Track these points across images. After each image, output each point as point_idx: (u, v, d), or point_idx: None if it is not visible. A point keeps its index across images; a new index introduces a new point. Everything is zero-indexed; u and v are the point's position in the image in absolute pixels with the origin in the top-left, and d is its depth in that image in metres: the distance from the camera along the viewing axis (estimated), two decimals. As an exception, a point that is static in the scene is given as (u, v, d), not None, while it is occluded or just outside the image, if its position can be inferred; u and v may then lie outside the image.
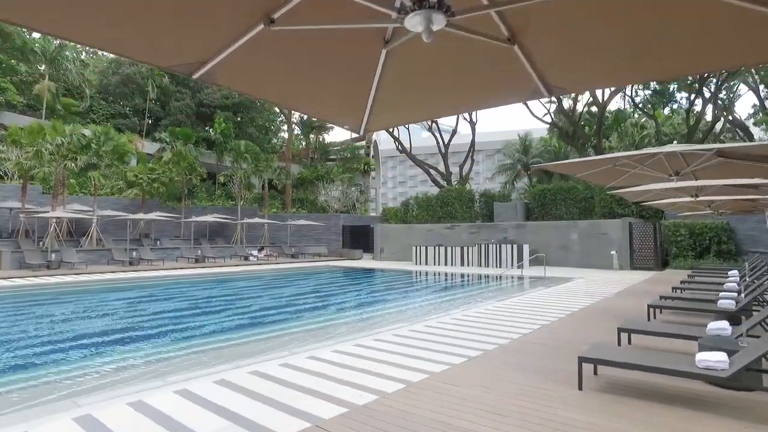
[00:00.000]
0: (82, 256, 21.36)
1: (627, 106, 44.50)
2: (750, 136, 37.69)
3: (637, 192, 8.24)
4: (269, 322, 9.97)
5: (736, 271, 13.20)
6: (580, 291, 13.40)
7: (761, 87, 39.67)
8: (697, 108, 36.55)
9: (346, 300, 13.86)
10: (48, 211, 21.52)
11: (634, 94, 39.62)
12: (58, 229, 23.32)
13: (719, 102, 35.41)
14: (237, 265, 25.07)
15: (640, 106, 39.57)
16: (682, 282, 11.55)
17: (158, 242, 30.21)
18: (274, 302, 13.25)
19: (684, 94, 40.56)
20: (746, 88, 39.06)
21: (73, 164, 22.10)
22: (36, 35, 37.89)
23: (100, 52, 53.09)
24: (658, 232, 21.51)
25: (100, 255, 23.02)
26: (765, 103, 39.80)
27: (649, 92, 40.13)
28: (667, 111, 43.11)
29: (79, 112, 39.75)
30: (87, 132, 22.37)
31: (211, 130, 45.11)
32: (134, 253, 23.27)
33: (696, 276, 13.91)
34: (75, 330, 9.00)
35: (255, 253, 29.47)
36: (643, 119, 43.66)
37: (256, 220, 31.54)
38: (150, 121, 49.55)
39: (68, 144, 21.49)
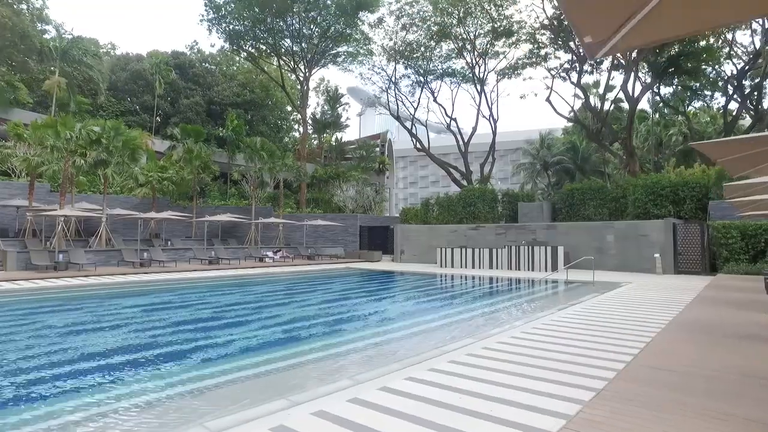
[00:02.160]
0: (90, 257, 20.22)
1: (647, 106, 43.00)
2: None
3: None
4: (306, 338, 8.66)
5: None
6: (644, 299, 12.04)
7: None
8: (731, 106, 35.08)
9: (384, 308, 12.52)
10: (56, 210, 20.37)
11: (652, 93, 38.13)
12: (65, 229, 22.21)
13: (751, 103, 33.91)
14: (253, 267, 23.86)
15: (671, 103, 37.99)
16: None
17: (169, 243, 29.08)
18: (304, 311, 11.94)
19: (710, 92, 39.18)
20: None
21: (82, 160, 20.98)
22: (49, 35, 37.07)
23: (109, 48, 52.38)
24: (706, 234, 20.07)
25: (109, 256, 21.87)
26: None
27: (670, 91, 38.70)
28: (697, 106, 41.56)
29: (89, 109, 38.78)
30: (96, 128, 21.21)
31: (221, 128, 44.03)
32: (145, 254, 22.11)
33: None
34: (67, 349, 7.73)
35: (270, 254, 28.25)
36: (667, 117, 42.20)
37: (272, 219, 30.34)
38: (159, 119, 48.64)
39: (77, 139, 20.35)
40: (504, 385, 5.05)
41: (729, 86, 36.04)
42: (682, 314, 9.14)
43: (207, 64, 53.77)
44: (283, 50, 42.04)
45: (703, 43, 33.47)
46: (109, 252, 22.19)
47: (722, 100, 37.16)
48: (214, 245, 30.45)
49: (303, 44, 41.17)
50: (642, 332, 7.65)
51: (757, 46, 31.76)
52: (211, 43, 74.88)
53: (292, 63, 42.25)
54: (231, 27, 39.60)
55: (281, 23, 40.10)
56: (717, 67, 36.43)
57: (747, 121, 36.45)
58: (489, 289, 17.30)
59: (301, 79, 42.26)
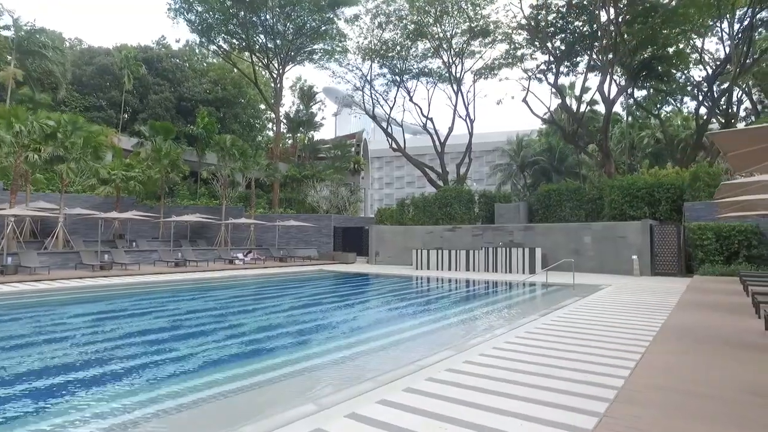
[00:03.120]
0: (44, 260, 18.94)
1: (620, 109, 43.35)
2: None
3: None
4: (268, 352, 7.78)
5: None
6: (627, 303, 11.63)
7: (754, 91, 39.07)
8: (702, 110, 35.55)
9: (356, 316, 11.75)
10: (5, 209, 18.98)
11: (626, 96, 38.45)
12: (16, 230, 20.80)
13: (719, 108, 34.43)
14: (221, 270, 22.83)
15: (645, 105, 38.34)
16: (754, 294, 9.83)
17: (134, 244, 27.78)
18: (269, 320, 11.09)
19: (681, 97, 39.78)
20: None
21: (36, 156, 19.63)
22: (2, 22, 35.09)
23: (75, 43, 50.23)
24: (681, 236, 19.97)
25: (66, 258, 20.56)
26: (758, 108, 39.12)
27: (644, 95, 39.13)
28: (664, 112, 42.07)
29: (50, 103, 36.93)
30: (51, 121, 19.85)
31: (192, 125, 42.54)
32: (106, 256, 20.88)
33: (753, 282, 12.26)
34: None
35: (241, 256, 27.21)
36: (640, 120, 42.65)
37: (243, 220, 29.28)
38: (128, 115, 46.82)
39: (30, 133, 19.01)
40: (490, 409, 4.41)
41: (699, 91, 36.62)
42: (670, 320, 8.69)
43: (177, 60, 52.09)
44: (257, 46, 40.86)
45: (673, 48, 33.93)
46: (67, 254, 20.86)
47: (693, 105, 37.85)
48: (182, 246, 29.27)
49: (277, 41, 40.09)
50: (633, 342, 7.12)
51: (725, 53, 32.22)
52: (177, 38, 72.42)
53: (265, 59, 41.08)
54: (201, 18, 38.21)
55: (255, 18, 38.96)
56: (687, 72, 37.08)
57: (716, 126, 37.01)
58: (467, 293, 16.73)
59: (275, 76, 41.15)
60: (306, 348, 8.05)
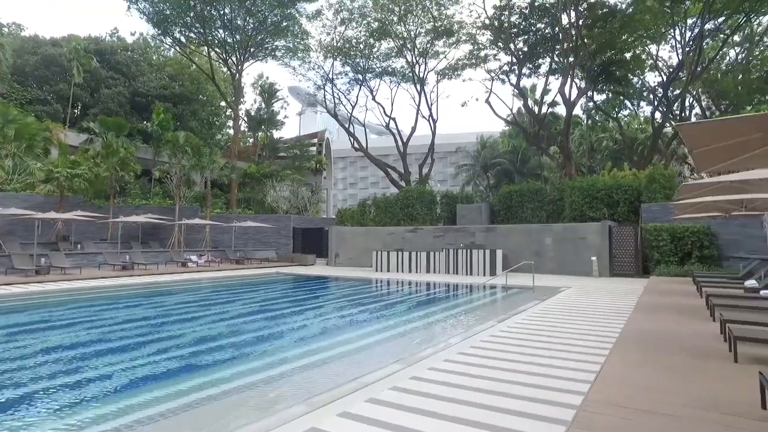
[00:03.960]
0: (-29, 264, 17.45)
1: (580, 112, 44.12)
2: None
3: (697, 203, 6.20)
4: (195, 369, 6.98)
5: (754, 281, 11.71)
6: (587, 306, 11.41)
7: (703, 97, 40.42)
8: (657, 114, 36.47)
9: (303, 324, 10.98)
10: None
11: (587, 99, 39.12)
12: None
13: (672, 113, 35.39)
14: (172, 273, 21.71)
15: (604, 108, 39.05)
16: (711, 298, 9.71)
17: (79, 246, 26.20)
18: (209, 329, 10.23)
19: (637, 101, 40.77)
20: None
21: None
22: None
23: (13, 29, 47.39)
24: (638, 237, 20.14)
25: (-2, 262, 19.06)
26: (707, 113, 40.47)
27: (603, 98, 39.92)
28: (623, 115, 43.02)
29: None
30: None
31: (147, 122, 40.76)
32: (43, 259, 19.45)
33: (706, 283, 12.25)
34: None
35: (194, 258, 26.05)
36: (599, 123, 43.44)
37: (196, 221, 28.04)
38: (78, 111, 44.52)
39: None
40: (430, 439, 3.88)
41: (654, 96, 37.59)
42: (628, 326, 8.41)
43: (131, 53, 49.93)
44: (216, 41, 39.46)
45: (630, 54, 34.72)
46: (-2, 258, 19.34)
47: (649, 110, 38.82)
48: (133, 249, 27.84)
49: (237, 36, 38.82)
50: (592, 351, 6.76)
51: (678, 60, 33.13)
52: (132, 30, 69.55)
53: (224, 54, 39.71)
54: (155, 9, 36.56)
55: (213, 11, 37.60)
56: (643, 77, 38.05)
57: (671, 129, 38.03)
58: (424, 297, 16.27)
59: (233, 72, 39.85)
60: (237, 364, 7.31)
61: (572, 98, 31.34)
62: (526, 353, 6.74)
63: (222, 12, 37.36)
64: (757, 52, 34.39)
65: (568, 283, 16.98)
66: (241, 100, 52.62)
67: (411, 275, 22.01)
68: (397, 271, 23.29)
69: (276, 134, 50.21)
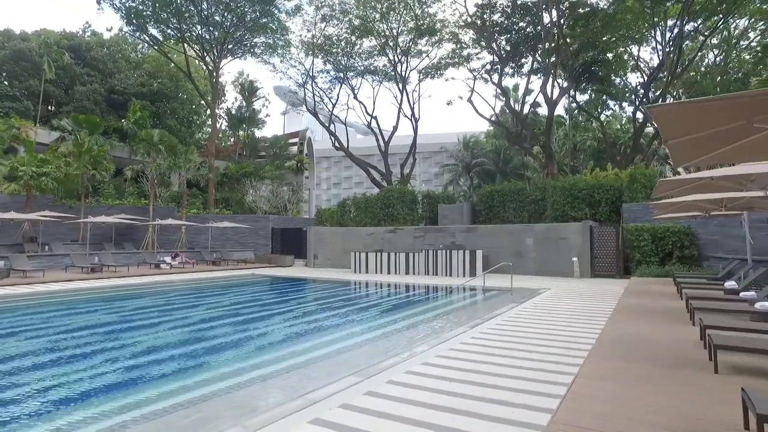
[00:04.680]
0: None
1: (563, 112, 44.05)
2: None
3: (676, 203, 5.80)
4: (138, 382, 6.44)
5: (733, 282, 11.44)
6: (565, 309, 11.02)
7: (683, 98, 40.68)
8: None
9: (265, 331, 10.30)
10: None
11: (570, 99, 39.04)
12: None
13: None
14: (143, 275, 20.95)
15: (586, 109, 39.00)
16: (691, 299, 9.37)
17: (47, 248, 25.23)
18: (167, 336, 9.64)
19: (619, 102, 40.84)
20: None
21: None
22: None
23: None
24: (620, 237, 19.89)
25: (-46, 265, 18.12)
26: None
27: (585, 98, 39.94)
28: (604, 116, 43.04)
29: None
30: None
31: (124, 120, 39.70)
32: (2, 262, 18.57)
33: (686, 284, 11.95)
34: None
35: (167, 259, 25.25)
36: (582, 123, 43.42)
37: (169, 221, 27.20)
38: (52, 108, 43.25)
39: None
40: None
41: (636, 96, 37.64)
42: (605, 332, 7.99)
43: (108, 50, 48.70)
44: (194, 37, 38.53)
45: (612, 54, 34.71)
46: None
47: (631, 110, 38.88)
48: (105, 250, 26.97)
49: (216, 32, 37.94)
50: (565, 362, 6.32)
51: (659, 60, 33.18)
52: (108, 26, 67.87)
53: (201, 51, 38.80)
54: (127, 7, 35.56)
55: (191, 7, 36.70)
56: (625, 78, 38.12)
57: (651, 129, 38.14)
58: (398, 301, 15.75)
59: (211, 68, 38.97)
60: (190, 375, 6.74)
61: (554, 97, 31.12)
62: (495, 363, 6.27)
63: (200, 8, 36.48)
64: (734, 55, 34.64)
65: (548, 285, 16.64)
66: (222, 98, 51.85)
67: (389, 277, 21.51)
68: (376, 273, 22.77)
69: (258, 133, 49.46)
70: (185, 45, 38.24)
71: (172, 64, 43.70)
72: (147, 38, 39.20)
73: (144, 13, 35.72)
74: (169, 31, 38.38)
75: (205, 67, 41.57)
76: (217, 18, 37.29)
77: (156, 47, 41.48)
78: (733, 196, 7.83)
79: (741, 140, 3.58)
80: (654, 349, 6.68)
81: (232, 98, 56.88)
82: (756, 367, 5.67)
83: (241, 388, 6.11)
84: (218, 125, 52.06)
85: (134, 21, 36.33)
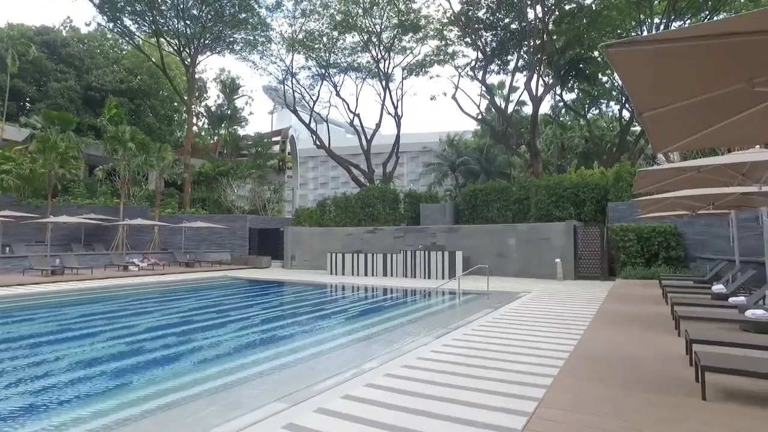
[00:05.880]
0: None
1: (550, 111, 43.40)
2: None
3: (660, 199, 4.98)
4: (60, 404, 5.58)
5: (721, 285, 10.70)
6: (542, 316, 10.20)
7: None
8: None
9: (213, 342, 9.38)
10: None
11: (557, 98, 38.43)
12: None
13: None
14: (107, 278, 19.87)
15: (573, 107, 38.40)
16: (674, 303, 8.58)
17: (8, 249, 24.02)
18: (102, 349, 8.71)
19: (606, 101, 40.31)
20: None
21: None
22: None
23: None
24: (605, 237, 19.16)
25: None
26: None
27: (573, 96, 39.37)
28: (592, 113, 42.50)
29: None
30: None
31: (100, 117, 38.39)
32: (-50, 264, 17.41)
33: (672, 289, 11.20)
34: None
35: (136, 261, 24.14)
36: (569, 122, 42.83)
37: (138, 221, 26.08)
38: (26, 105, 41.82)
39: None
40: None
41: (623, 95, 37.08)
42: (581, 344, 7.14)
43: (85, 45, 47.33)
44: (171, 31, 37.30)
45: (597, 53, 34.08)
46: None
47: (616, 109, 38.34)
48: (72, 251, 25.81)
49: (194, 27, 36.77)
50: (531, 381, 5.46)
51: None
52: (87, 21, 66.22)
53: (178, 46, 37.61)
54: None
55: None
56: (613, 77, 37.49)
57: (638, 128, 37.63)
58: (366, 306, 14.77)
59: (187, 64, 37.79)
60: (111, 397, 5.82)
61: (539, 94, 30.42)
62: (452, 384, 5.39)
63: (176, 1, 35.30)
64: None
65: (530, 287, 15.85)
66: (205, 95, 50.57)
67: (366, 279, 20.60)
68: (353, 274, 21.85)
69: (242, 132, 48.25)
70: (161, 39, 37.01)
71: (152, 61, 42.47)
72: (121, 30, 37.89)
73: (118, 4, 34.45)
74: (144, 24, 37.15)
75: (180, 61, 40.35)
76: (194, 12, 36.14)
77: (131, 42, 40.19)
78: (723, 192, 7.04)
79: (738, 113, 2.73)
80: (634, 368, 5.85)
81: (215, 96, 55.75)
82: (749, 391, 4.86)
83: (167, 410, 5.22)
84: (201, 123, 50.89)
85: (107, 11, 35.06)
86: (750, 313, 7.25)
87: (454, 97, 34.70)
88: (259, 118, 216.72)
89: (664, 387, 5.06)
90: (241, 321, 11.77)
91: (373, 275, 21.56)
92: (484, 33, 34.11)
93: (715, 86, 2.42)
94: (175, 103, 49.68)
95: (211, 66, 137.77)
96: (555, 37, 31.70)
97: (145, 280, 19.72)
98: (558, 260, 18.89)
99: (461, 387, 5.29)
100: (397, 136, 36.48)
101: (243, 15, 36.27)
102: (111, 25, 37.43)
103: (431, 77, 37.27)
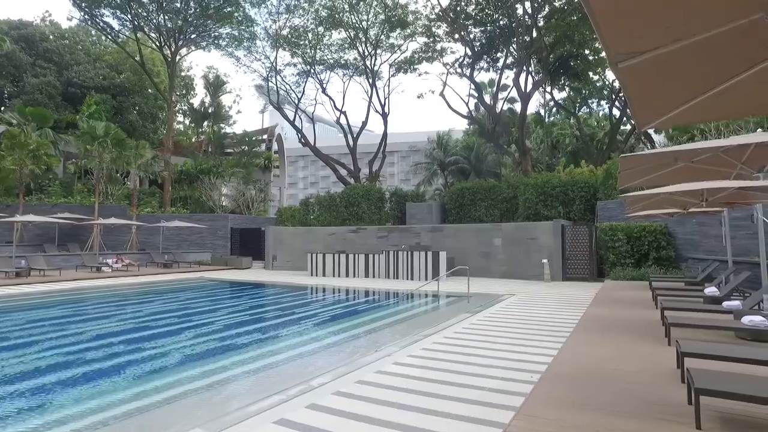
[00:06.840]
0: None
1: (541, 110, 42.79)
2: (651, 142, 36.71)
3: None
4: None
5: (714, 288, 10.03)
6: (523, 322, 9.50)
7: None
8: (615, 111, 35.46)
9: (170, 350, 8.64)
10: None
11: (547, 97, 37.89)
12: None
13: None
14: (77, 280, 18.97)
15: (563, 104, 37.82)
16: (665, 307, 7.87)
17: (-26, 249, 23.05)
18: (46, 359, 7.92)
19: (596, 99, 39.81)
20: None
21: None
22: None
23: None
24: (594, 237, 18.49)
25: None
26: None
27: (563, 96, 38.84)
28: (582, 112, 41.98)
29: None
30: None
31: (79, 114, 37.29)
32: None
33: (662, 292, 10.52)
34: None
35: (110, 262, 23.21)
36: (560, 120, 42.29)
37: (113, 220, 25.12)
38: (4, 100, 40.62)
39: None
40: None
41: (613, 94, 36.58)
42: (558, 359, 6.37)
43: (66, 40, 46.13)
44: (152, 25, 36.27)
45: (589, 51, 33.49)
46: None
47: (607, 107, 37.85)
48: (45, 251, 24.85)
49: (178, 20, 35.76)
50: (499, 402, 4.70)
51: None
52: (68, 15, 64.85)
53: (159, 40, 36.59)
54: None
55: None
56: (604, 75, 36.98)
57: (628, 127, 37.10)
58: (338, 310, 13.84)
59: (169, 59, 36.79)
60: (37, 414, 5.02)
61: (527, 90, 29.77)
62: (405, 407, 4.63)
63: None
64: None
65: (514, 289, 15.13)
66: (192, 93, 49.53)
67: (346, 280, 19.81)
68: (334, 276, 21.06)
69: (229, 130, 47.22)
70: (140, 34, 35.98)
71: (132, 58, 41.41)
72: (100, 24, 36.78)
73: (95, -1, 33.43)
74: (124, 18, 36.08)
75: (161, 56, 39.33)
76: (177, 5, 35.14)
77: (110, 37, 39.07)
78: (719, 187, 6.34)
79: (744, 71, 1.99)
80: (618, 386, 5.10)
81: (203, 93, 54.71)
82: (749, 414, 4.13)
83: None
84: (187, 121, 49.84)
85: (84, 6, 34.00)
86: (747, 320, 6.56)
87: (442, 95, 34.09)
88: (251, 117, 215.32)
89: (651, 411, 4.32)
90: (201, 327, 10.91)
91: (354, 276, 20.78)
92: (473, 29, 33.46)
93: (717, 19, 1.66)
94: (160, 101, 48.60)
95: (197, 63, 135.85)
96: (544, 32, 31.07)
97: (114, 282, 18.84)
98: (545, 261, 18.20)
99: (418, 409, 4.52)
100: (384, 134, 35.73)
101: (228, 9, 35.31)
102: (88, 19, 36.26)
103: (419, 74, 36.53)
